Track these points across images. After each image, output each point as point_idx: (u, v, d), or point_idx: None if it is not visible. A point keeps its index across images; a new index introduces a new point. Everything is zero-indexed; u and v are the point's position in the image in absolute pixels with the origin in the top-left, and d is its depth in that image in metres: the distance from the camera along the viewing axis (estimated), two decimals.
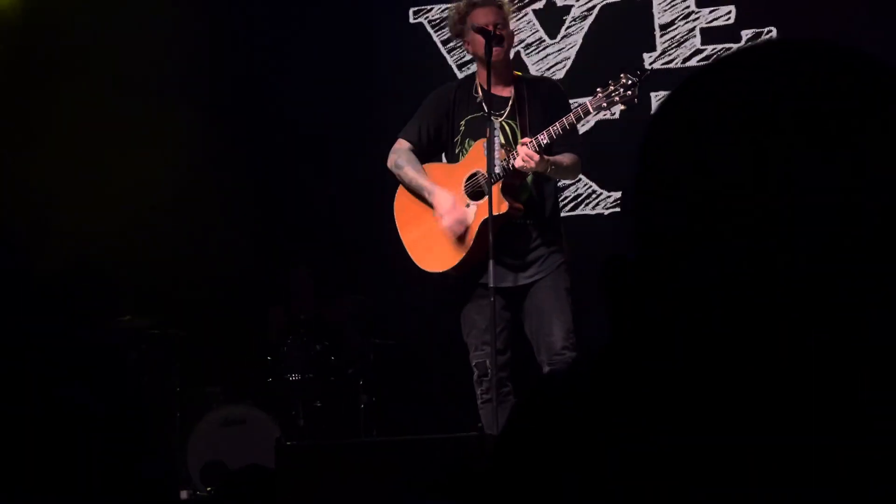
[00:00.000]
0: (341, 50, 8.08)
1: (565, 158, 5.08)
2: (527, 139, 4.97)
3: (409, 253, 5.36)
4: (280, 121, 8.19)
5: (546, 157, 4.94)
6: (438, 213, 5.23)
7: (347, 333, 7.41)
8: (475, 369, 5.21)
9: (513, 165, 4.96)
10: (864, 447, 0.91)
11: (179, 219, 7.90)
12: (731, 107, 0.95)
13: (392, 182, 5.48)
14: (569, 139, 5.07)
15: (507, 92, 5.24)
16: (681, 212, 0.96)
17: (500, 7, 5.23)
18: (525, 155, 4.87)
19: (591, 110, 4.95)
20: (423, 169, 5.36)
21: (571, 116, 4.91)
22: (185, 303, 7.63)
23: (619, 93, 4.88)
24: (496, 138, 5.06)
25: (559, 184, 5.73)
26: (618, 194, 7.28)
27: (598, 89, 4.95)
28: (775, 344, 0.92)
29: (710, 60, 1.03)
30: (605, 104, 4.92)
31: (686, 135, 0.97)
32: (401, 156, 5.40)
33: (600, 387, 1.05)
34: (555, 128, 4.91)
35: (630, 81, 4.89)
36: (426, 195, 5.29)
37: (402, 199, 5.44)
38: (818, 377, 0.92)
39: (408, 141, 5.40)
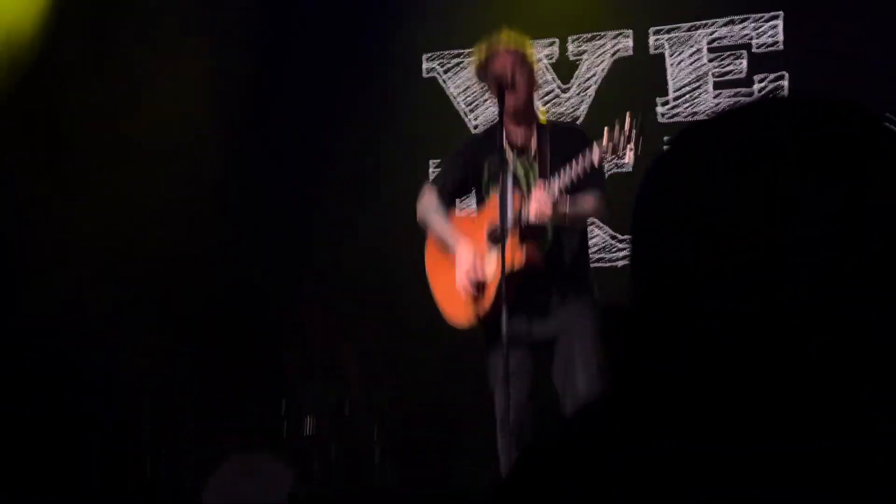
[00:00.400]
0: (353, 95, 8.13)
1: (586, 203, 5.07)
2: (540, 182, 4.97)
3: (438, 304, 5.39)
4: (298, 167, 8.24)
5: (562, 208, 4.96)
6: (461, 265, 5.27)
7: (363, 381, 7.41)
8: (497, 415, 5.20)
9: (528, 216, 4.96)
10: (866, 450, 0.93)
11: (196, 256, 7.94)
12: (734, 148, 0.98)
13: (413, 227, 5.53)
14: (590, 181, 5.03)
15: (529, 138, 5.28)
16: (684, 248, 0.98)
17: (519, 53, 5.25)
18: (539, 199, 4.91)
19: (602, 154, 4.91)
20: (449, 218, 5.39)
21: (577, 165, 4.90)
22: (200, 340, 7.67)
23: (621, 137, 4.84)
24: (510, 186, 5.07)
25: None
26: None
27: (605, 134, 4.91)
28: (777, 352, 0.95)
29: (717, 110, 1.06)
30: (608, 152, 4.87)
31: (688, 174, 1.01)
32: (428, 204, 5.44)
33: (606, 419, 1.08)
34: (567, 173, 4.90)
35: (627, 121, 4.83)
36: (448, 244, 5.34)
37: (431, 249, 5.47)
38: (819, 383, 0.94)
39: (436, 188, 5.47)
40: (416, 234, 5.70)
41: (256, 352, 7.81)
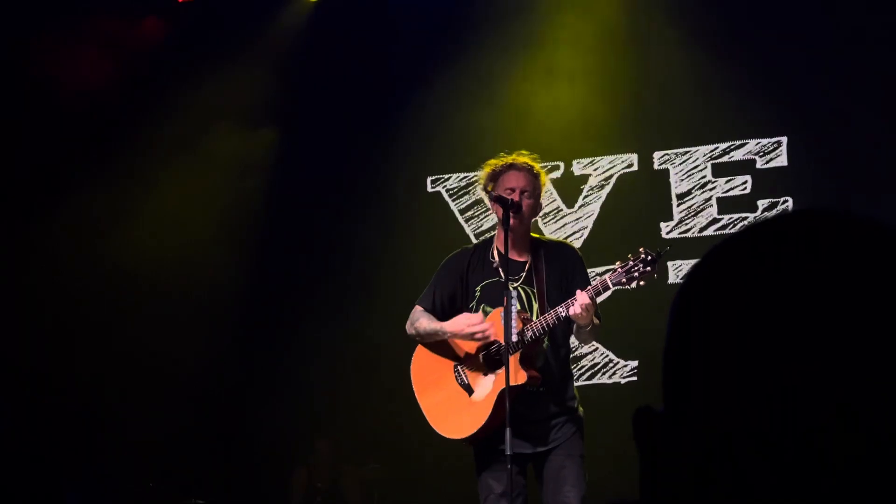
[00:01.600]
0: (360, 215, 8.19)
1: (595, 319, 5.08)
2: (588, 288, 4.95)
3: (427, 418, 5.32)
4: (303, 287, 8.27)
5: (592, 313, 4.93)
6: (461, 334, 5.23)
7: (363, 501, 7.35)
8: None
9: (562, 316, 4.94)
10: None
11: (200, 378, 7.96)
12: (754, 277, 0.97)
13: (409, 348, 5.49)
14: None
15: (524, 257, 5.24)
16: (707, 374, 0.97)
17: (533, 174, 5.25)
18: (582, 303, 4.85)
19: (611, 285, 4.91)
20: (436, 319, 5.34)
21: (591, 290, 4.90)
22: (205, 467, 7.63)
23: (639, 268, 4.86)
24: (513, 307, 5.06)
25: (576, 352, 5.68)
26: (634, 363, 7.26)
27: (618, 264, 4.92)
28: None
29: (732, 232, 1.05)
30: (624, 280, 4.90)
31: (710, 306, 0.99)
32: (416, 315, 5.39)
33: None
34: (594, 287, 4.90)
35: (650, 258, 4.86)
36: (441, 334, 5.28)
37: (419, 361, 5.43)
38: None
39: (422, 307, 5.43)
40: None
41: (264, 476, 7.78)
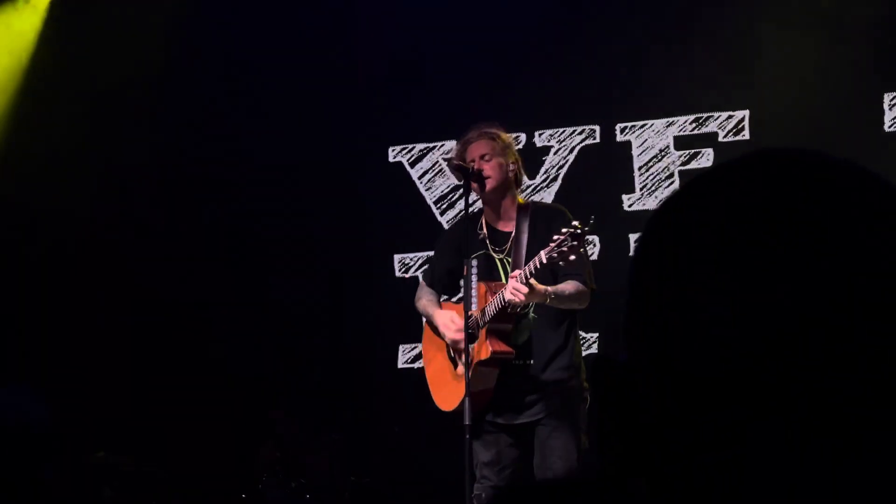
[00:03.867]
0: (323, 186, 8.15)
1: (567, 286, 5.02)
2: (517, 272, 4.93)
3: (430, 390, 5.43)
4: (262, 258, 8.23)
5: (540, 286, 4.90)
6: (443, 332, 5.28)
7: (324, 471, 7.34)
8: (474, 500, 5.15)
9: (504, 300, 4.93)
10: None
11: (160, 353, 7.92)
12: (718, 214, 0.95)
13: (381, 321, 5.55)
14: (569, 268, 5.00)
15: (509, 227, 5.25)
16: (672, 321, 0.95)
17: (493, 139, 5.22)
18: (513, 289, 4.85)
19: (545, 260, 4.86)
20: (437, 300, 5.46)
21: (524, 272, 4.86)
22: (163, 440, 7.61)
23: (567, 243, 4.77)
24: (473, 281, 5.09)
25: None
26: (595, 335, 7.27)
27: (552, 241, 4.86)
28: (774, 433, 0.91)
29: (693, 176, 1.03)
30: (555, 254, 4.80)
31: (675, 246, 0.97)
32: (419, 293, 5.53)
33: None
34: (534, 262, 4.86)
35: (578, 231, 4.77)
36: (431, 322, 5.41)
37: (426, 332, 5.55)
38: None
39: (425, 282, 5.57)
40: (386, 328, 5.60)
41: (222, 450, 7.76)
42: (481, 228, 5.29)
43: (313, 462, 7.40)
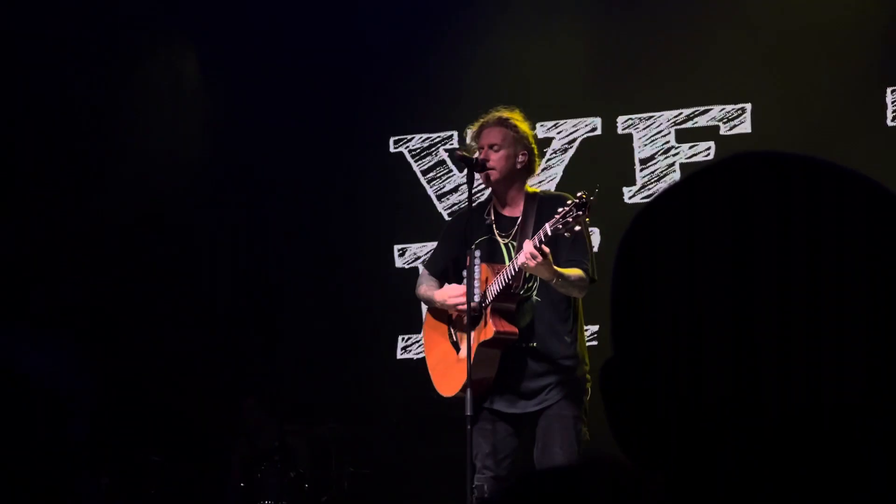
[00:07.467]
0: (322, 176, 8.14)
1: (573, 272, 4.98)
2: (534, 237, 4.83)
3: (431, 377, 5.40)
4: (261, 248, 8.23)
5: (552, 263, 4.83)
6: (448, 304, 5.25)
7: (322, 460, 7.35)
8: (475, 491, 5.14)
9: (511, 273, 4.91)
10: None
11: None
12: (706, 213, 0.95)
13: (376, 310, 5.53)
14: (574, 254, 5.00)
15: (516, 212, 5.24)
16: (658, 318, 0.95)
17: (506, 126, 5.21)
18: (529, 252, 4.75)
19: (549, 232, 4.81)
20: (437, 286, 5.41)
21: (537, 238, 4.80)
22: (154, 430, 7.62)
23: (573, 213, 4.72)
24: (476, 264, 5.09)
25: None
26: (595, 328, 7.26)
27: (557, 213, 4.82)
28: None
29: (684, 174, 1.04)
30: (560, 225, 4.76)
31: (661, 244, 0.97)
32: (420, 280, 5.52)
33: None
34: (539, 235, 4.78)
35: (581, 202, 4.73)
36: (433, 303, 5.36)
37: (427, 321, 5.54)
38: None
39: (427, 271, 5.53)
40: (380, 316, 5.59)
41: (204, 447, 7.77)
42: (489, 214, 5.29)
43: (307, 451, 7.41)
